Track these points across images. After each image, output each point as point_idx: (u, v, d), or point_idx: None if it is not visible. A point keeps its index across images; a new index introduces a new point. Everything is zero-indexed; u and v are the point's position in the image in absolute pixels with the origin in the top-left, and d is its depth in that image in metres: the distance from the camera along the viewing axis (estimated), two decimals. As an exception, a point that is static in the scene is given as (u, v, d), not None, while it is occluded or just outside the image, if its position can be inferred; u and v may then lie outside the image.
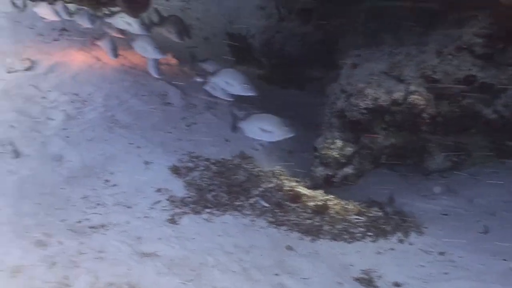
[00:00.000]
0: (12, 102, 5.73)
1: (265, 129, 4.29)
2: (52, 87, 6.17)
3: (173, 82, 6.49)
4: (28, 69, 6.33)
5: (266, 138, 4.51)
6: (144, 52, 5.26)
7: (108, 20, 5.46)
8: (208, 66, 5.23)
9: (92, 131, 5.56)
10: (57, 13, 5.46)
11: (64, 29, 7.07)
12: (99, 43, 5.68)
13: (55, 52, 6.67)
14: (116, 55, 5.56)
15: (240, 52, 8.25)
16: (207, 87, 4.72)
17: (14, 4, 5.70)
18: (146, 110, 6.06)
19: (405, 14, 5.95)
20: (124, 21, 5.44)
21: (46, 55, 6.59)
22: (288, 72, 7.64)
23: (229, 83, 4.56)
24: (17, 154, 5.00)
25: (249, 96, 4.46)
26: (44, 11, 5.58)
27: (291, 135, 4.26)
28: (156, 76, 5.50)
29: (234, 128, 4.50)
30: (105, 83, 6.35)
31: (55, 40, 6.88)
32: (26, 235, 3.93)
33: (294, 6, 7.80)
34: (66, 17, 5.46)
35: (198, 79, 4.88)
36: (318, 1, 7.23)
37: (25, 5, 5.59)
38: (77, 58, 6.67)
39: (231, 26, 8.49)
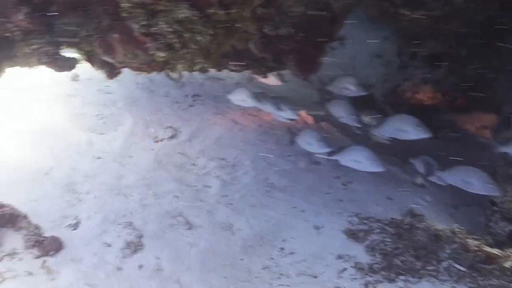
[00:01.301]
0: (167, 172, 5.72)
1: (402, 129, 4.90)
2: (199, 153, 6.15)
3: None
4: (172, 137, 6.36)
5: (402, 137, 5.01)
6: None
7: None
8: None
9: (252, 196, 5.44)
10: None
11: (196, 95, 7.13)
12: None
13: (193, 118, 6.71)
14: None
15: (361, 102, 8.05)
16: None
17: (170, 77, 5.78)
18: (296, 171, 5.91)
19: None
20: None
21: (186, 122, 6.63)
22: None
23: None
24: (189, 225, 4.90)
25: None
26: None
27: (427, 135, 4.76)
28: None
29: None
30: (248, 146, 6.29)
31: (190, 106, 6.94)
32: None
33: (419, 51, 7.57)
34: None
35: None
36: (447, 45, 6.98)
37: (181, 77, 5.65)
38: (215, 122, 6.66)
39: (347, 76, 8.32)
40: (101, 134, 6.34)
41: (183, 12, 3.42)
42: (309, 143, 5.34)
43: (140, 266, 4.33)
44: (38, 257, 4.26)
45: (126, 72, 7.17)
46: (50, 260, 4.27)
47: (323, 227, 5.02)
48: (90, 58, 4.15)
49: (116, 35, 3.63)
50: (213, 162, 5.99)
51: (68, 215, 4.84)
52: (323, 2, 4.38)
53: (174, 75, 3.83)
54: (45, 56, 3.97)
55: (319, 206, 5.33)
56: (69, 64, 4.16)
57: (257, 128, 6.61)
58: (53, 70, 4.25)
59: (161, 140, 6.31)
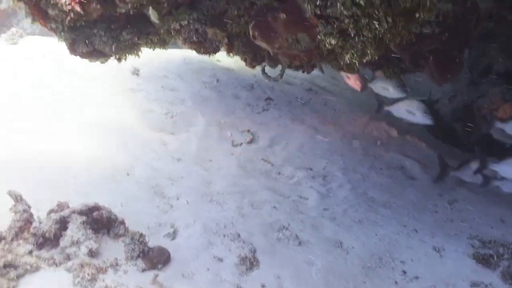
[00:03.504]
0: (256, 179, 5.15)
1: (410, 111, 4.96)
2: (283, 161, 5.62)
3: (407, 153, 5.85)
4: (251, 141, 5.80)
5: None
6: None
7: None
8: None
9: (355, 211, 4.90)
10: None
11: (269, 98, 6.59)
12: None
13: (269, 123, 6.17)
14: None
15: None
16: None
17: (268, 76, 5.24)
18: (394, 186, 5.40)
19: None
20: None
21: (263, 126, 6.08)
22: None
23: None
24: (298, 241, 4.32)
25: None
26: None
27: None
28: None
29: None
30: (335, 155, 5.77)
31: (264, 110, 6.40)
32: None
33: (492, 68, 7.18)
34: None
35: None
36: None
37: (281, 76, 5.13)
38: (294, 128, 6.13)
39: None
40: (172, 134, 5.72)
41: (364, -6, 2.88)
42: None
43: (263, 286, 3.71)
44: (144, 270, 3.61)
45: (188, 70, 6.66)
46: (160, 275, 3.61)
47: (443, 249, 4.47)
48: (233, 41, 3.55)
49: (282, 15, 3.06)
50: (300, 172, 5.45)
51: (163, 222, 4.21)
52: (471, 1, 3.89)
53: (339, 64, 3.26)
54: (196, 34, 3.37)
55: (431, 226, 4.82)
56: (214, 47, 3.56)
57: (340, 136, 6.07)
58: (197, 51, 3.64)
59: (240, 145, 5.75)
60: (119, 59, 3.95)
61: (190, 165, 5.18)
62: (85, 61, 6.04)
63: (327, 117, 6.40)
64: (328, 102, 6.79)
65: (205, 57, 7.58)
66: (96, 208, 3.84)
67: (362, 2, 2.82)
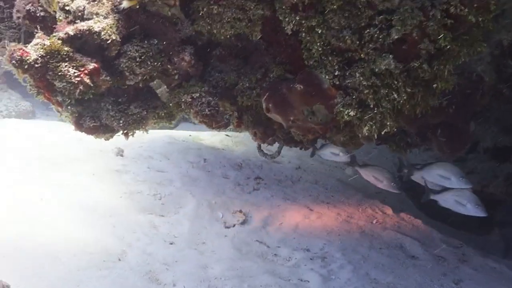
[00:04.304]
0: (254, 262, 4.87)
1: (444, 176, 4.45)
2: (279, 242, 5.38)
3: (405, 231, 5.71)
4: (243, 222, 5.57)
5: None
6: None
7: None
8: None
9: (362, 294, 4.63)
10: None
11: (259, 178, 6.44)
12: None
13: (261, 202, 5.98)
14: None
15: (415, 194, 7.58)
16: None
17: (264, 154, 5.12)
18: (395, 266, 5.19)
19: None
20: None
21: (254, 206, 5.88)
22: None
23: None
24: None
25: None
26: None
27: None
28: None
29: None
30: (332, 236, 5.56)
31: (255, 189, 6.23)
32: None
33: (478, 144, 7.29)
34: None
35: None
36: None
37: (279, 153, 5.01)
38: (286, 208, 5.94)
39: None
40: (162, 216, 5.45)
41: (387, 64, 2.87)
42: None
43: None
44: None
45: (173, 150, 6.51)
46: None
47: (461, 333, 4.21)
48: (242, 114, 3.44)
49: (299, 86, 2.99)
50: (298, 253, 5.21)
51: (161, 312, 3.84)
52: (476, 73, 3.97)
53: (361, 138, 3.16)
54: (208, 107, 3.24)
55: (443, 308, 4.57)
56: (226, 122, 3.43)
57: (335, 216, 5.91)
58: (208, 125, 3.49)
59: (233, 226, 5.51)
60: (126, 134, 3.77)
61: (183, 248, 4.88)
62: (66, 142, 5.86)
63: (320, 196, 6.26)
64: (319, 180, 6.68)
65: (188, 137, 7.53)
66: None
67: (381, 72, 2.79)
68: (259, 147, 5.21)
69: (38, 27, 3.38)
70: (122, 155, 6.42)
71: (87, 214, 4.91)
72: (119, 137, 7.26)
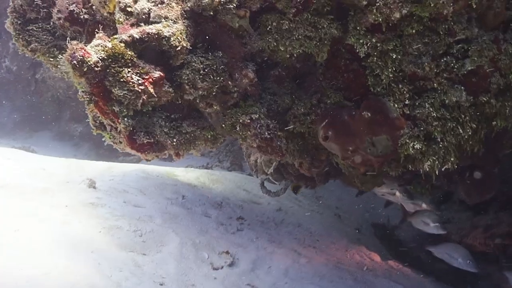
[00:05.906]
0: (250, 308, 4.49)
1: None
2: (270, 286, 5.03)
3: (397, 279, 5.55)
4: (231, 264, 5.21)
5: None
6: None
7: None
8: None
9: None
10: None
11: (241, 218, 6.13)
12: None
13: (247, 244, 5.65)
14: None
15: (389, 243, 7.54)
16: None
17: (268, 191, 4.84)
18: (393, 315, 4.99)
19: None
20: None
21: (240, 248, 5.55)
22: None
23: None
24: None
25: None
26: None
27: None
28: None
29: None
30: (324, 281, 5.31)
31: (239, 230, 5.90)
32: None
33: (452, 194, 7.39)
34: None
35: None
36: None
37: (284, 191, 4.75)
38: (273, 251, 5.65)
39: (372, 216, 7.89)
40: (144, 254, 4.98)
41: (458, 96, 2.75)
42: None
43: None
44: None
45: (149, 185, 6.10)
46: None
47: None
48: (288, 141, 3.15)
49: (366, 114, 2.79)
50: (292, 299, 4.87)
51: None
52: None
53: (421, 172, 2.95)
54: (267, 130, 2.94)
55: None
56: (279, 148, 3.12)
57: (324, 261, 5.66)
58: (263, 151, 3.15)
59: (221, 268, 5.13)
60: (177, 155, 3.35)
61: (175, 290, 4.41)
62: (29, 171, 5.30)
63: (306, 240, 6.01)
64: (301, 224, 6.45)
65: (162, 171, 7.09)
66: None
67: (451, 104, 2.66)
68: (262, 184, 4.92)
69: (82, 31, 3.00)
70: (94, 187, 5.89)
71: (68, 248, 4.37)
72: (83, 168, 6.69)
